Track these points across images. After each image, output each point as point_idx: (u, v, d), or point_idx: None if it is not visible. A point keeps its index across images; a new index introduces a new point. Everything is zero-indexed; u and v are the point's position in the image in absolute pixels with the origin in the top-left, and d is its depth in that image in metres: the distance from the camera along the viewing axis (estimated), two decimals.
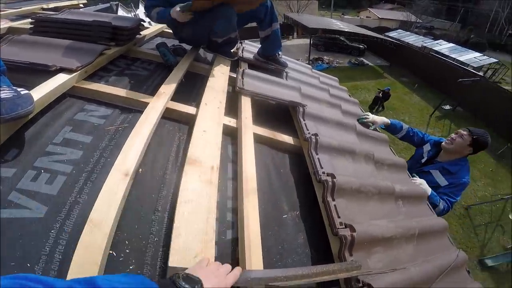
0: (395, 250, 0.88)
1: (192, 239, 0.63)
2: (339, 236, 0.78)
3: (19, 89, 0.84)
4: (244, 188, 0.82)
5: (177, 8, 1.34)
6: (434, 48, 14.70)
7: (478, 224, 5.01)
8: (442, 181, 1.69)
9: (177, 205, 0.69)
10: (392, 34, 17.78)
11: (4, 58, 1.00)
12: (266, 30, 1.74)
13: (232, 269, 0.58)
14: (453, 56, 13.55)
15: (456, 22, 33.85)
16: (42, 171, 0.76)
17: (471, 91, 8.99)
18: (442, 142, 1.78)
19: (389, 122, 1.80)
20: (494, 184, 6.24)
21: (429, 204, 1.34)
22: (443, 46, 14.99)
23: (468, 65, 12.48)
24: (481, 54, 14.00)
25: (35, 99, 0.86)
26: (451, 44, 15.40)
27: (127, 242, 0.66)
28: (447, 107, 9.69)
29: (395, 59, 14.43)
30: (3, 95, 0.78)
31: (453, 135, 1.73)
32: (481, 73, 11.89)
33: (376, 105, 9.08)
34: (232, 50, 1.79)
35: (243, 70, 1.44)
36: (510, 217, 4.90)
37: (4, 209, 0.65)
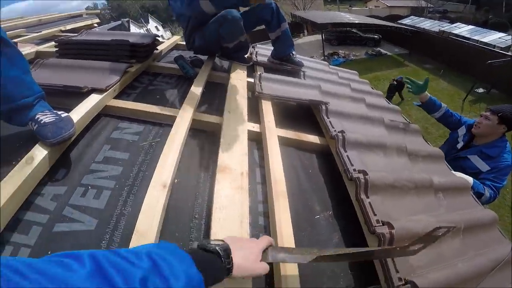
0: (439, 246, 0.83)
1: None
2: (376, 234, 0.75)
3: (59, 112, 0.92)
4: (274, 191, 0.83)
5: None
6: (453, 32, 14.21)
7: None
8: (482, 166, 1.58)
9: (213, 212, 0.72)
10: (406, 21, 17.22)
11: (39, 82, 1.09)
12: (276, 31, 1.75)
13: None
14: (475, 38, 13.02)
15: (469, 4, 31.73)
16: (89, 187, 0.82)
17: (503, 72, 8.43)
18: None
19: (429, 96, 1.73)
20: None
21: (473, 195, 1.24)
22: (463, 29, 14.43)
23: (494, 46, 11.91)
24: (506, 34, 13.30)
25: (74, 120, 0.93)
26: (471, 26, 14.78)
27: None
28: (480, 90, 9.16)
29: (413, 46, 13.75)
30: (47, 120, 0.86)
31: (477, 120, 1.65)
32: (510, 53, 11.00)
33: (392, 93, 8.68)
34: (246, 56, 1.82)
35: (260, 74, 1.45)
36: None
37: (60, 223, 0.72)
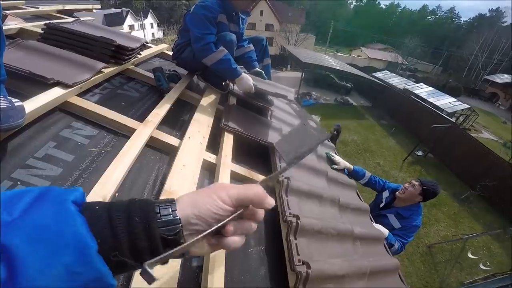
0: (346, 286, 0.97)
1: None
2: (295, 272, 0.86)
3: (13, 100, 0.86)
4: None
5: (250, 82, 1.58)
6: (414, 91, 15.35)
7: (438, 261, 5.46)
8: (396, 224, 1.93)
9: None
10: (378, 74, 18.74)
11: (8, 63, 1.02)
12: (258, 65, 1.91)
13: None
14: (430, 100, 14.14)
15: (438, 66, 37.08)
16: (19, 183, 0.77)
17: (442, 138, 9.68)
18: (398, 189, 2.03)
19: (352, 168, 1.97)
20: (456, 225, 6.86)
21: (385, 245, 1.48)
22: (423, 90, 15.65)
23: (443, 110, 13.00)
24: (456, 100, 14.42)
25: (27, 111, 0.88)
26: (430, 88, 16.03)
27: None
28: (420, 153, 10.36)
29: (378, 100, 15.23)
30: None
31: (406, 185, 2.00)
32: (453, 119, 12.64)
33: (334, 142, 9.54)
34: (224, 82, 1.92)
35: (230, 106, 1.54)
36: (469, 255, 5.37)
37: None
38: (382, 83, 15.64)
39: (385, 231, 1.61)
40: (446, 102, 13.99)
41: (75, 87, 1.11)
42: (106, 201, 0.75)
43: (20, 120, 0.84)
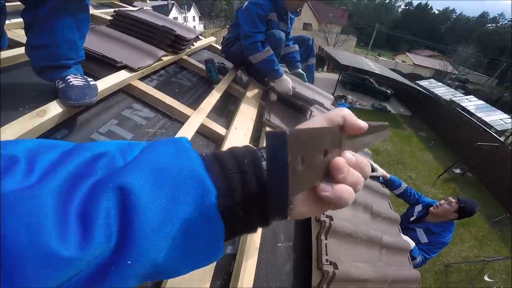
0: None
1: None
2: (322, 271, 0.87)
3: (89, 79, 0.96)
4: None
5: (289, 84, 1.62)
6: (461, 104, 13.95)
7: (451, 281, 5.17)
8: (423, 238, 1.90)
9: None
10: (423, 83, 17.39)
11: (84, 45, 1.14)
12: (302, 64, 1.88)
13: None
14: (479, 114, 12.76)
15: (493, 78, 33.04)
16: None
17: (487, 157, 8.76)
18: (433, 204, 1.96)
19: (389, 176, 1.91)
20: (481, 247, 6.32)
21: (409, 257, 1.48)
22: (472, 103, 14.20)
23: (491, 127, 11.83)
24: (509, 117, 12.91)
25: (99, 90, 0.97)
26: (481, 102, 14.53)
27: None
28: (458, 170, 9.50)
29: (419, 110, 14.18)
30: (76, 82, 0.90)
31: (442, 201, 1.92)
32: (503, 138, 11.27)
33: None
34: (265, 78, 1.93)
35: (272, 102, 1.55)
36: (485, 278, 5.01)
37: None
38: (426, 92, 14.49)
39: (412, 244, 1.59)
40: (496, 118, 12.64)
41: (138, 72, 1.20)
42: None
43: (94, 98, 0.92)
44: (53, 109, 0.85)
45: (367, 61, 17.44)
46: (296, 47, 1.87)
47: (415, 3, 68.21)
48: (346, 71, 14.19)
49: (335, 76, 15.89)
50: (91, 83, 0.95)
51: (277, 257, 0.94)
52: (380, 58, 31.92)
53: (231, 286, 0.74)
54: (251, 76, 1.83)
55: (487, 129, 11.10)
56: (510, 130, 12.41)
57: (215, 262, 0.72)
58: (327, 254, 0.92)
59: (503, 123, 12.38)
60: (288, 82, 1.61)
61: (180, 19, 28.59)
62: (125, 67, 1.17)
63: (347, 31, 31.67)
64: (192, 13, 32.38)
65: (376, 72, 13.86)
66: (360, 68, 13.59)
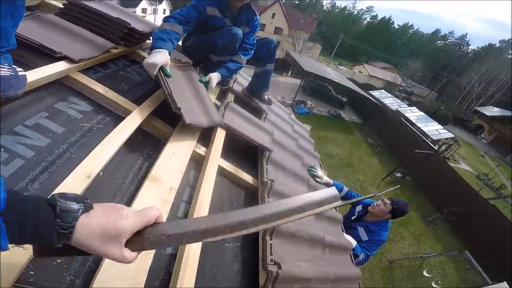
0: None
1: None
2: (267, 271, 0.90)
3: (18, 69, 0.87)
4: (195, 213, 0.91)
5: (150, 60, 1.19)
6: (405, 114, 15.32)
7: (396, 277, 5.85)
8: (364, 236, 2.06)
9: None
10: (375, 93, 18.71)
11: (21, 33, 1.03)
12: (260, 68, 1.93)
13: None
14: (419, 125, 14.21)
15: (434, 91, 37.14)
16: (2, 149, 0.75)
17: (423, 163, 10.10)
18: (371, 204, 2.15)
19: (332, 182, 2.06)
20: (418, 244, 7.27)
21: (351, 255, 1.57)
22: (414, 114, 15.67)
23: (428, 136, 13.15)
24: (442, 128, 14.48)
25: (29, 81, 0.89)
26: (421, 113, 16.06)
27: None
28: (399, 174, 10.73)
29: (369, 118, 15.49)
30: (2, 73, 0.81)
31: (379, 202, 2.12)
32: (437, 146, 12.87)
33: None
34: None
35: (228, 103, 1.57)
36: (424, 274, 5.71)
37: None
38: (376, 102, 15.83)
39: (353, 242, 1.72)
40: (433, 128, 14.20)
41: (80, 63, 1.12)
42: (90, 180, 0.76)
43: (19, 90, 0.84)
44: None
45: (328, 69, 18.52)
46: (242, 59, 1.74)
47: (380, 16, 73.68)
48: (308, 77, 14.90)
49: (297, 81, 16.56)
50: (20, 73, 0.87)
51: (224, 258, 0.96)
52: (340, 67, 34.22)
53: (171, 286, 0.73)
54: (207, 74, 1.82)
55: (424, 138, 12.43)
56: (443, 140, 14.39)
57: (150, 262, 0.71)
58: (271, 254, 0.97)
59: (438, 133, 13.99)
60: (153, 55, 1.22)
61: (149, 11, 26.86)
62: (64, 58, 1.08)
63: (314, 39, 33.24)
64: (164, 5, 30.70)
65: (335, 80, 14.76)
66: (321, 75, 14.37)
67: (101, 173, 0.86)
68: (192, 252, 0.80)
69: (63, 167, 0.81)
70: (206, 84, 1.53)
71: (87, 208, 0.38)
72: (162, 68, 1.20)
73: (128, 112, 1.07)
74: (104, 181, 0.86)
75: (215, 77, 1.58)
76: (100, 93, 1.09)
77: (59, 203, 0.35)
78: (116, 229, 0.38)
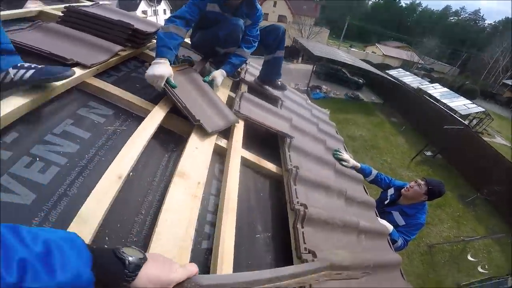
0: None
1: (170, 244, 0.70)
2: (302, 260, 0.88)
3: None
4: (225, 206, 0.90)
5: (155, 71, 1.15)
6: (428, 91, 14.91)
7: (437, 262, 5.50)
8: (400, 221, 1.94)
9: (162, 212, 0.76)
10: (392, 72, 18.24)
11: (28, 43, 1.06)
12: (269, 55, 1.87)
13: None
14: (444, 101, 13.70)
15: (455, 67, 35.52)
16: (37, 158, 0.78)
17: (453, 139, 9.42)
18: (404, 187, 2.02)
19: (359, 166, 1.97)
20: (459, 227, 6.83)
21: (389, 240, 1.49)
22: (437, 90, 15.20)
23: (456, 111, 12.62)
24: (471, 102, 14.03)
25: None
26: (445, 89, 15.56)
27: (107, 239, 0.70)
28: (429, 153, 10.15)
29: (389, 97, 14.96)
30: (33, 65, 0.88)
31: (412, 183, 1.99)
32: (467, 121, 12.23)
33: None
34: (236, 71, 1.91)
35: (242, 93, 1.54)
36: (469, 258, 5.44)
37: None
38: (395, 80, 15.23)
39: (390, 227, 1.62)
40: (460, 104, 13.56)
41: (92, 68, 1.14)
42: (122, 181, 0.78)
43: (67, 72, 0.93)
44: None
45: (339, 52, 17.93)
46: (245, 53, 1.69)
47: None
48: (320, 62, 14.51)
49: (309, 67, 16.17)
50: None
51: (257, 249, 0.95)
52: (352, 49, 32.98)
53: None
54: (219, 67, 1.80)
55: (452, 114, 11.86)
56: (473, 114, 13.54)
57: (189, 257, 0.71)
58: (305, 243, 0.93)
59: (466, 108, 13.34)
60: (157, 67, 1.17)
61: (150, 13, 27.18)
62: (77, 64, 1.10)
63: (320, 24, 32.17)
64: (163, 6, 30.91)
65: (349, 62, 14.32)
66: (333, 59, 13.94)
67: (131, 173, 0.87)
68: (227, 246, 0.79)
69: (95, 170, 0.83)
70: (211, 83, 1.50)
71: (145, 261, 0.47)
72: (166, 80, 1.17)
73: (147, 112, 1.08)
74: (135, 180, 0.88)
75: (218, 74, 1.54)
76: (118, 95, 1.10)
77: (128, 259, 0.44)
78: (168, 280, 0.48)
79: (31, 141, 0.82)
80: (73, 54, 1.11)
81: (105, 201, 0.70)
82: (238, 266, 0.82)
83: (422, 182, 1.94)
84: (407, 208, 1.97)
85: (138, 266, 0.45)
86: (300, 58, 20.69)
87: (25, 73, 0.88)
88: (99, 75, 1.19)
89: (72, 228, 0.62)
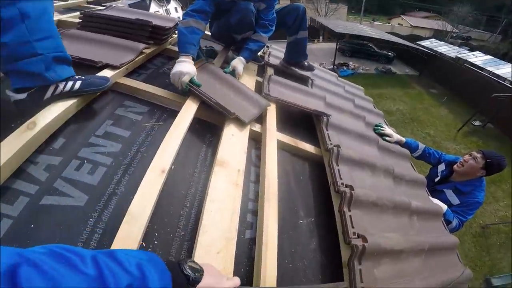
0: (402, 263, 0.91)
1: (217, 236, 0.69)
2: (351, 245, 0.81)
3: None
4: (266, 192, 0.87)
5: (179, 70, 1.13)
6: (469, 60, 13.67)
7: (492, 244, 4.94)
8: (454, 200, 1.72)
9: (206, 203, 0.75)
10: (425, 43, 16.98)
11: None
12: (292, 36, 1.77)
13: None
14: (489, 69, 12.43)
15: (496, 34, 31.66)
16: (85, 161, 0.81)
17: (505, 107, 8.43)
18: (456, 161, 1.78)
19: (404, 140, 1.78)
20: None
21: (443, 221, 1.35)
22: (479, 58, 13.87)
23: (505, 79, 11.33)
24: None
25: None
26: (489, 56, 14.12)
27: (156, 234, 0.71)
28: (477, 123, 9.18)
29: (425, 69, 13.87)
30: (77, 77, 0.96)
31: (466, 157, 1.73)
32: None
33: None
34: (259, 54, 1.84)
35: (269, 76, 1.48)
36: None
37: (50, 196, 0.70)
38: (429, 51, 14.01)
39: (444, 207, 1.45)
40: (507, 71, 12.06)
41: (121, 69, 1.16)
42: (165, 174, 0.78)
43: (107, 83, 1.02)
44: (42, 120, 0.82)
45: (363, 27, 16.79)
46: (263, 37, 1.60)
47: None
48: (343, 39, 13.67)
49: (332, 46, 15.32)
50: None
51: (300, 235, 0.90)
52: (375, 23, 30.54)
53: (255, 272, 0.71)
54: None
55: (500, 81, 10.63)
56: None
57: (234, 249, 0.70)
58: (353, 227, 0.86)
59: None
60: (182, 66, 1.15)
61: (162, 12, 27.81)
62: (106, 66, 1.12)
63: (335, 0, 30.22)
64: (173, 4, 31.38)
65: (375, 36, 13.37)
66: (357, 34, 13.05)
67: (173, 166, 0.87)
68: (271, 234, 0.76)
69: (139, 167, 0.84)
70: (233, 73, 1.45)
71: (203, 274, 0.51)
72: (191, 80, 1.14)
73: (180, 105, 1.07)
74: (177, 173, 0.88)
75: (238, 63, 1.48)
76: (151, 92, 1.11)
77: (192, 276, 0.48)
78: None
79: (78, 145, 0.86)
80: (100, 56, 1.14)
81: (151, 197, 0.70)
82: (281, 253, 0.79)
83: (479, 155, 1.68)
84: (462, 185, 1.74)
85: (197, 281, 0.50)
86: (321, 37, 19.70)
87: (73, 84, 0.93)
88: (129, 75, 1.21)
89: (124, 226, 0.62)
